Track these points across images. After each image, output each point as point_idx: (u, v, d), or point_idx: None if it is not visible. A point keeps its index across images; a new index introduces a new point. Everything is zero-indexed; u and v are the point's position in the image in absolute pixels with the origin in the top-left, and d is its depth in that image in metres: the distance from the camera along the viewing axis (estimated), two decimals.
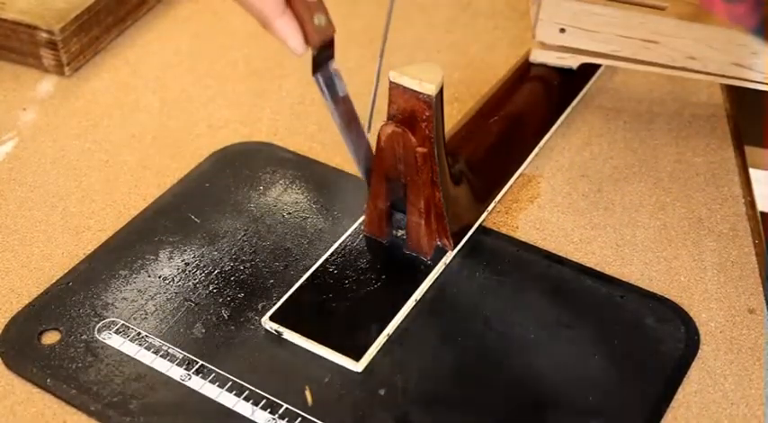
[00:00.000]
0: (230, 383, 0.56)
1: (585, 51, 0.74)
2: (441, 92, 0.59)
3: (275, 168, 0.71)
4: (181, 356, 0.58)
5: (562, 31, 0.72)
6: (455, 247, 0.64)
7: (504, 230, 0.67)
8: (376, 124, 0.61)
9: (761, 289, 0.63)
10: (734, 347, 0.59)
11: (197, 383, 0.56)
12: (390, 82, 0.59)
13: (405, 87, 0.58)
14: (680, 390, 0.57)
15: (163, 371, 0.57)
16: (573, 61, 0.75)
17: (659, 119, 0.77)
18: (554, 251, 0.65)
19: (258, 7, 0.54)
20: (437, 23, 0.87)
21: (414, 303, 0.61)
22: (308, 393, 0.56)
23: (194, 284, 0.62)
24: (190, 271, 0.63)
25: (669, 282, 0.63)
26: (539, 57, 0.76)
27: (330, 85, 0.59)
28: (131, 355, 0.58)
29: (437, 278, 0.62)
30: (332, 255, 0.63)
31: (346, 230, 0.65)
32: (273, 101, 0.79)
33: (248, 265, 0.63)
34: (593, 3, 0.71)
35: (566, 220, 0.68)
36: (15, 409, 0.56)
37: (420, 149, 0.59)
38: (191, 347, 0.58)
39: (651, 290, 0.62)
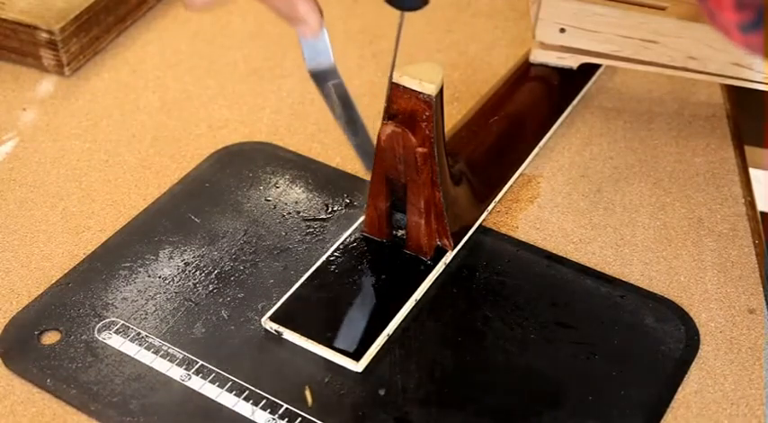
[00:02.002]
0: (230, 383, 0.56)
1: (585, 51, 0.74)
2: (441, 92, 0.59)
3: (275, 168, 0.71)
4: (181, 356, 0.58)
5: (562, 31, 0.72)
6: (455, 247, 0.64)
7: (504, 230, 0.67)
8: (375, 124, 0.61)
9: (761, 289, 0.63)
10: (734, 347, 0.59)
11: (197, 383, 0.56)
12: (390, 82, 0.59)
13: (405, 87, 0.58)
14: (680, 390, 0.57)
15: (163, 371, 0.57)
16: (573, 61, 0.75)
17: (659, 119, 0.77)
18: (554, 251, 0.65)
19: None
20: (437, 23, 0.87)
21: (414, 303, 0.61)
22: (308, 393, 0.56)
23: (194, 284, 0.62)
24: (190, 271, 0.63)
25: (669, 282, 0.63)
26: (539, 57, 0.76)
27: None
28: (131, 355, 0.58)
29: (437, 278, 0.62)
30: (332, 255, 0.63)
31: (346, 230, 0.65)
32: (273, 101, 0.79)
33: (248, 265, 0.63)
34: (593, 3, 0.71)
35: (566, 220, 0.68)
36: (15, 409, 0.56)
37: (420, 149, 0.59)
38: (191, 347, 0.58)
39: (651, 290, 0.62)
